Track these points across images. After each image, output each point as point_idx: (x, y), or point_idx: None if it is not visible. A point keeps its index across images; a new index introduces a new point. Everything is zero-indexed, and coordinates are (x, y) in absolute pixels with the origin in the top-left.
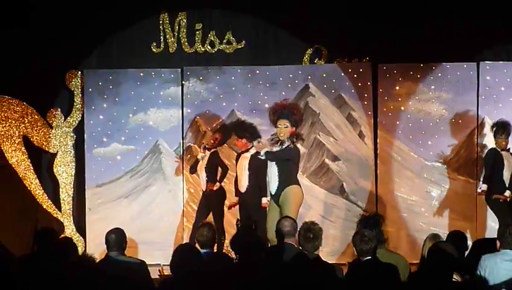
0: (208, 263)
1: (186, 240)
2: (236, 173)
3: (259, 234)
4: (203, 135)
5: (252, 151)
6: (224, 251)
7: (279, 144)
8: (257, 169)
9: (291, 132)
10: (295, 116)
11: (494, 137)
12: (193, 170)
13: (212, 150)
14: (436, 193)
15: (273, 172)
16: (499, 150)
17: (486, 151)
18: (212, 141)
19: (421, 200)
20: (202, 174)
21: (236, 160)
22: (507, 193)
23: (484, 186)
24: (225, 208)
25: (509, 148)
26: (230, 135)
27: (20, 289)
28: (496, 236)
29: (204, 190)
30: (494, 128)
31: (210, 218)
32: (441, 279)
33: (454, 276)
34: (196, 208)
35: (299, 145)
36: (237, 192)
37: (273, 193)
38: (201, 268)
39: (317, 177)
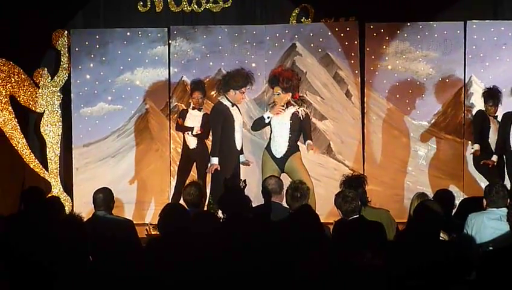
0: (195, 222)
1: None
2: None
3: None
4: (190, 95)
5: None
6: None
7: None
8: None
9: (285, 98)
10: (285, 84)
11: (485, 103)
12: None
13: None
14: (423, 152)
15: (282, 134)
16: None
17: (474, 112)
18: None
19: (408, 159)
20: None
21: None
22: (494, 158)
23: (477, 146)
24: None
25: (497, 116)
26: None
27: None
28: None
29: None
30: (484, 95)
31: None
32: (427, 238)
33: (441, 235)
34: None
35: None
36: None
37: (278, 157)
38: (188, 227)
39: None
